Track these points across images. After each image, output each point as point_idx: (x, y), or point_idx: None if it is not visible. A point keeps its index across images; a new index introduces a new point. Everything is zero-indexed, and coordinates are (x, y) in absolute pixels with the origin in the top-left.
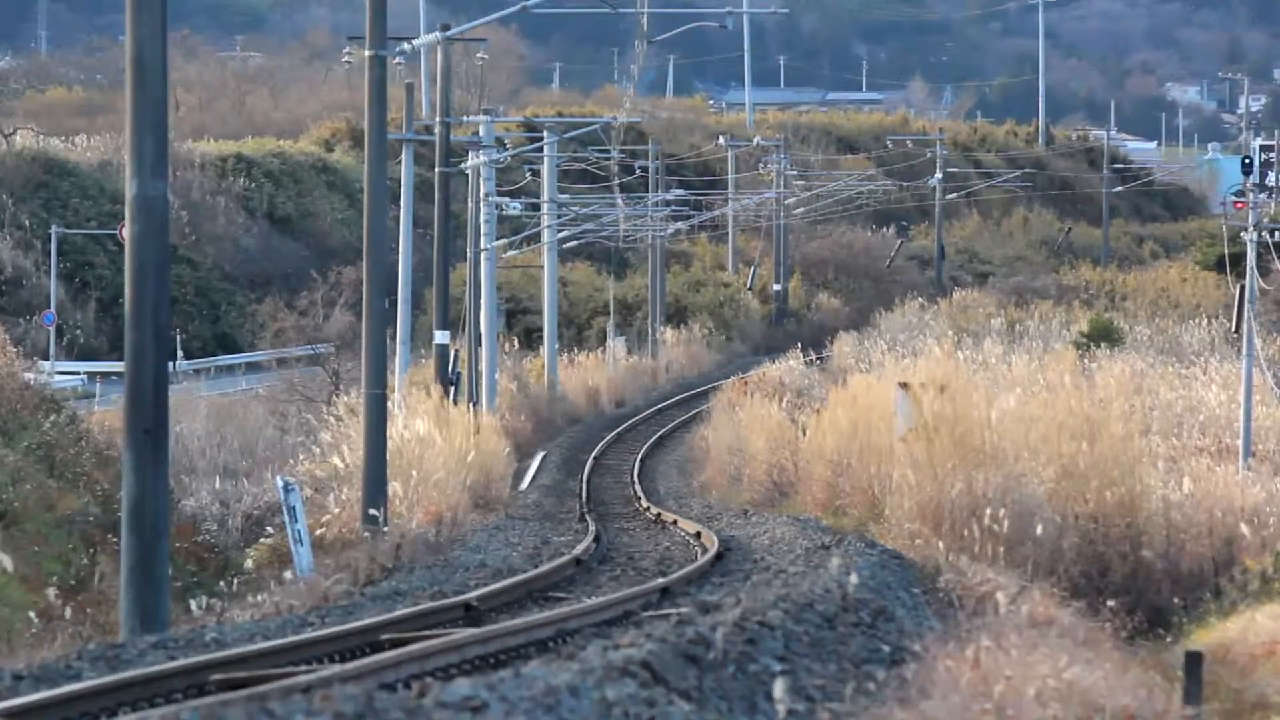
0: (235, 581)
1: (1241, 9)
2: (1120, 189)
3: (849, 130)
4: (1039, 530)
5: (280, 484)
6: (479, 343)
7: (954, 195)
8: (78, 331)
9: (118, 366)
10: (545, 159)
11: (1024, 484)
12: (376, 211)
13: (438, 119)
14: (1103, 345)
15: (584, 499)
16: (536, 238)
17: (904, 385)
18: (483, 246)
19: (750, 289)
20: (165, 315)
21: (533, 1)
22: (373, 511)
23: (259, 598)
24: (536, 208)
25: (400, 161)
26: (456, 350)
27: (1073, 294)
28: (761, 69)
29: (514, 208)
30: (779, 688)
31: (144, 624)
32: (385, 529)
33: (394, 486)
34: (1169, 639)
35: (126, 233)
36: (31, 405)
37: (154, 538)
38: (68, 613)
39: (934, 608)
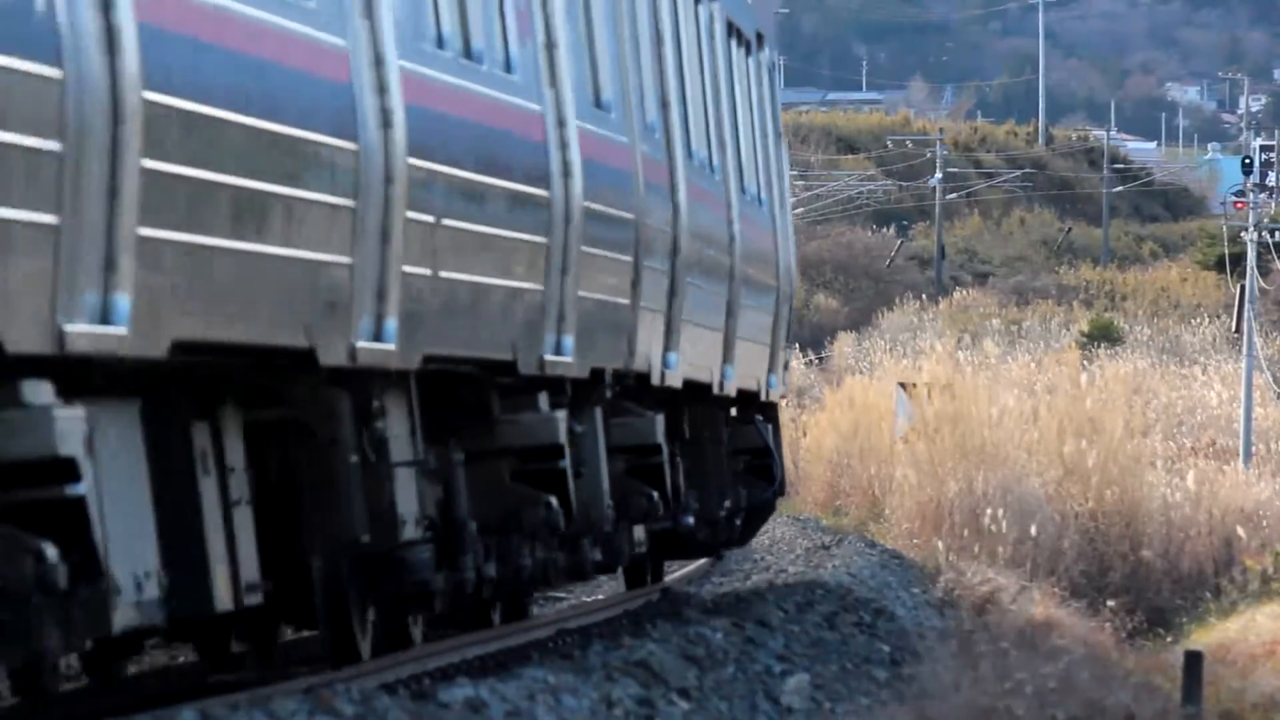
0: None
1: (1241, 9)
2: (1120, 189)
3: (849, 130)
4: (1039, 530)
5: None
6: None
7: (954, 195)
8: None
9: None
10: None
11: (1024, 484)
12: None
13: None
14: (1103, 345)
15: None
16: None
17: (904, 385)
18: None
19: None
20: None
21: None
22: None
23: None
24: None
25: None
26: None
27: (1073, 294)
28: None
29: None
30: (792, 684)
31: None
32: None
33: None
34: (1169, 639)
35: None
36: None
37: None
38: None
39: (934, 608)
